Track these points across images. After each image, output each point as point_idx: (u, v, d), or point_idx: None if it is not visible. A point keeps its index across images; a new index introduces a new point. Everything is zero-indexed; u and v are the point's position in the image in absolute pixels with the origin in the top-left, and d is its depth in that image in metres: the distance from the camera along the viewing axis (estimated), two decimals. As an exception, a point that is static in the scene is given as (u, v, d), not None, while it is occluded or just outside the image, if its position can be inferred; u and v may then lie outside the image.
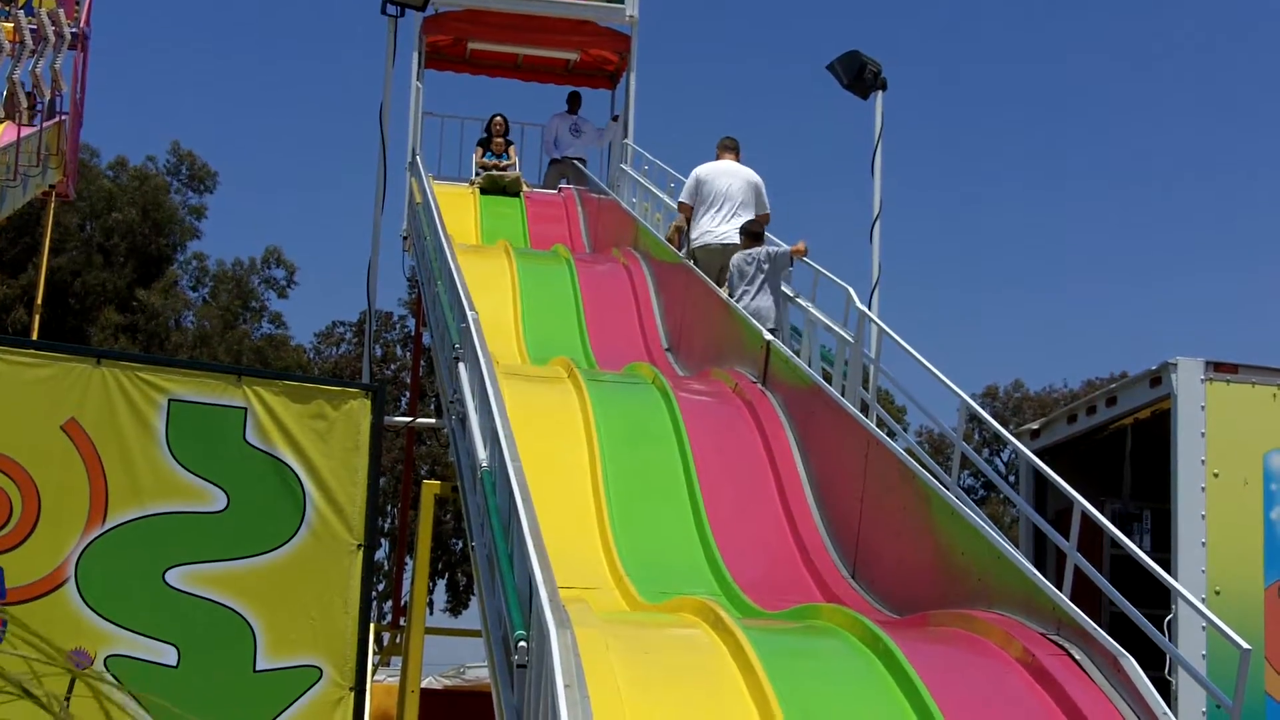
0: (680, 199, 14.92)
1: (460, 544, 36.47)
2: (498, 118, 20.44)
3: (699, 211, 14.41)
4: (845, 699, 6.48)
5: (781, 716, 5.94)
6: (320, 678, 9.39)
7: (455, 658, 19.08)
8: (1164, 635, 8.96)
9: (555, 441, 10.72)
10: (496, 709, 7.38)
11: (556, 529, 8.88)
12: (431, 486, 11.66)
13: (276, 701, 9.32)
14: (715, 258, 14.12)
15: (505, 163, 20.17)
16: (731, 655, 6.64)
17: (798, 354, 12.30)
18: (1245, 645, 6.78)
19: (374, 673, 14.49)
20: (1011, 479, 21.23)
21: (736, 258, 13.39)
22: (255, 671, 9.37)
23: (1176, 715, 8.90)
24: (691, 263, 14.30)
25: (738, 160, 14.70)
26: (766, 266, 13.08)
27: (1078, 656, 6.60)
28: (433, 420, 19.65)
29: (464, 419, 10.09)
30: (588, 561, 9.44)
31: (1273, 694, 9.68)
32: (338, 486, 9.78)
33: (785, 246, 13.35)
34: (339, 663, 9.40)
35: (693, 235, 14.42)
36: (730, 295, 13.18)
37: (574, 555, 9.27)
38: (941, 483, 8.82)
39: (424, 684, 14.20)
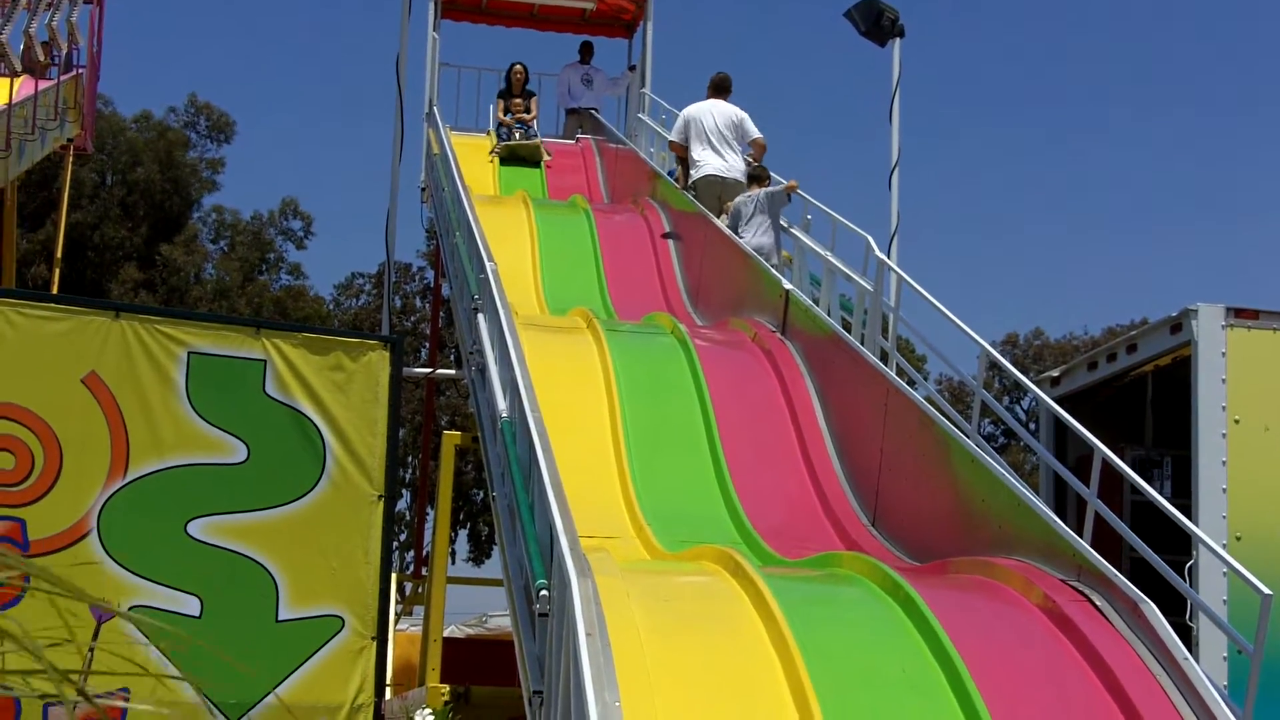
0: (671, 138, 15.67)
1: (481, 494, 36.57)
2: (517, 66, 19.72)
3: (693, 148, 15.11)
4: (865, 645, 6.49)
5: (802, 663, 5.95)
6: (342, 628, 9.43)
7: (477, 607, 19.16)
8: (1185, 581, 8.96)
9: (575, 392, 10.73)
10: (519, 657, 7.41)
11: (577, 479, 8.90)
12: (452, 437, 11.69)
13: (299, 651, 9.36)
14: (714, 188, 14.81)
15: (521, 131, 19.35)
16: (752, 603, 6.66)
17: (817, 303, 12.29)
18: (1266, 590, 6.78)
19: (396, 622, 14.56)
20: (1032, 426, 21.19)
21: (738, 200, 14.14)
22: (278, 622, 9.40)
23: (1197, 660, 8.91)
24: (692, 194, 14.95)
25: (726, 98, 15.41)
26: (766, 206, 13.81)
27: (1098, 602, 6.60)
28: (452, 371, 19.69)
29: (483, 370, 10.10)
30: (608, 511, 9.47)
31: (1294, 639, 9.65)
32: (357, 438, 9.80)
33: (779, 185, 14.08)
34: (360, 613, 9.44)
35: (691, 170, 15.12)
36: (733, 227, 13.85)
37: (594, 504, 9.29)
38: (961, 431, 8.81)
39: (446, 633, 14.27)
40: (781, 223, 14.12)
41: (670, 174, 16.24)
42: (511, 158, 19.13)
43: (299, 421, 9.83)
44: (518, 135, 19.19)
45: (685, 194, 15.19)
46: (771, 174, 14.45)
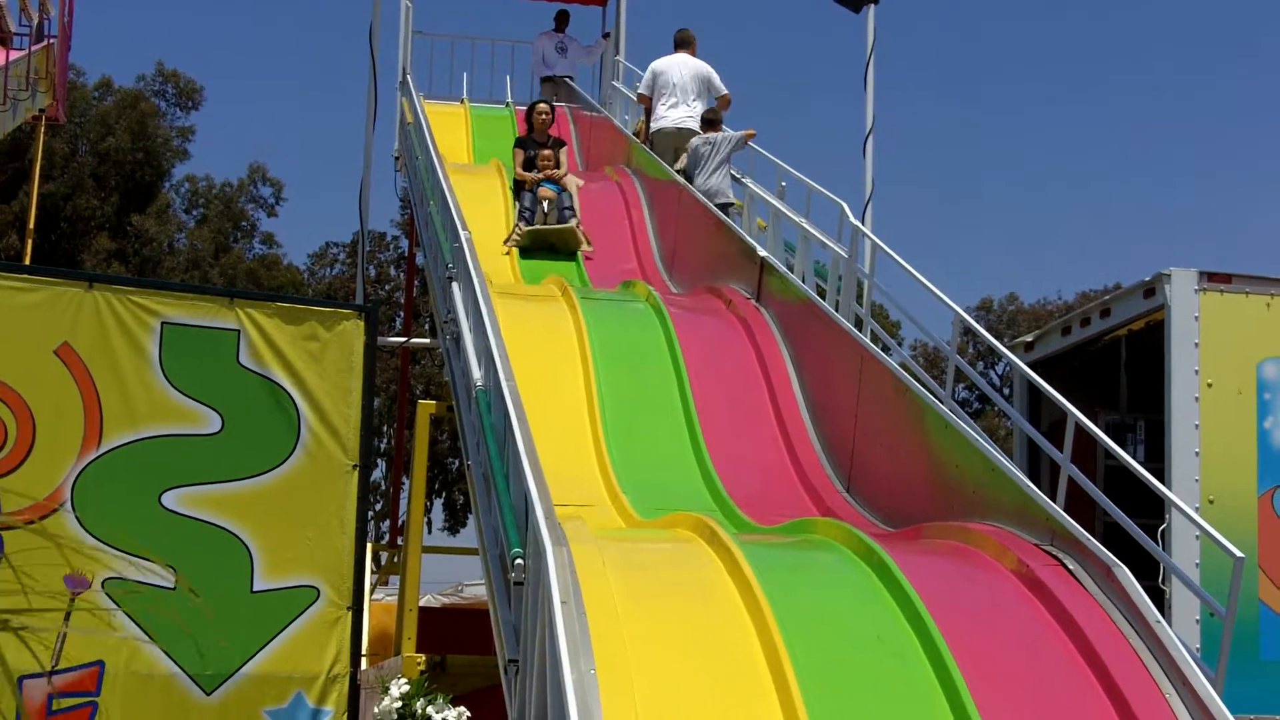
0: (639, 91, 16.54)
1: (456, 463, 36.59)
2: (541, 106, 15.80)
3: (656, 101, 16.05)
4: (840, 611, 6.50)
5: (777, 630, 5.96)
6: (318, 598, 9.43)
7: (453, 576, 19.20)
8: (1158, 544, 9.00)
9: (550, 360, 10.72)
10: (494, 626, 7.42)
11: (552, 447, 8.89)
12: (427, 406, 11.66)
13: (274, 621, 9.36)
14: (670, 141, 15.71)
15: (551, 204, 14.45)
16: (727, 570, 6.66)
17: (792, 269, 12.29)
18: (1238, 553, 6.82)
19: (372, 592, 14.58)
20: (1006, 392, 21.28)
21: (694, 141, 14.91)
22: (253, 592, 9.40)
23: (1171, 623, 8.96)
24: (649, 146, 15.80)
25: (693, 54, 16.17)
26: (723, 149, 14.64)
27: (1071, 566, 6.62)
28: (427, 340, 19.65)
29: (458, 339, 10.08)
30: (583, 479, 9.47)
31: (1266, 601, 9.73)
32: (332, 407, 9.78)
33: (738, 133, 14.88)
34: (336, 582, 9.43)
35: (651, 122, 16.10)
36: (688, 176, 14.60)
37: (570, 473, 9.29)
38: (935, 396, 8.83)
39: (422, 602, 14.26)
40: (750, 183, 14.84)
41: (626, 124, 16.68)
42: (538, 245, 14.27)
43: (273, 391, 9.82)
44: (544, 211, 14.35)
45: (643, 147, 15.46)
46: (725, 127, 15.16)
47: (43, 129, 23.68)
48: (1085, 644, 6.11)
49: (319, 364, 9.86)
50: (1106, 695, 5.87)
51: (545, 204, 14.37)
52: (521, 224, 14.36)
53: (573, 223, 14.33)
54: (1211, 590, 8.16)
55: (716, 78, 15.99)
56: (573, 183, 14.94)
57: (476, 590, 16.74)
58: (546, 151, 15.07)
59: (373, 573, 14.99)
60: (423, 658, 10.06)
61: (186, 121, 41.69)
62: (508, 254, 14.00)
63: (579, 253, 14.19)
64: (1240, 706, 8.27)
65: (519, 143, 15.46)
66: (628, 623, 5.96)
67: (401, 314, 25.18)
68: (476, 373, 9.14)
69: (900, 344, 32.16)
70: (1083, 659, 6.08)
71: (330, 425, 9.75)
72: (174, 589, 9.33)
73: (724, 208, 14.04)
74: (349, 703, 9.17)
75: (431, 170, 13.50)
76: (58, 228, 37.74)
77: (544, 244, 14.10)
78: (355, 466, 9.74)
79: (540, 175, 14.82)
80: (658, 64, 16.13)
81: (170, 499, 9.53)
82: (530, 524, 6.58)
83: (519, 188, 14.98)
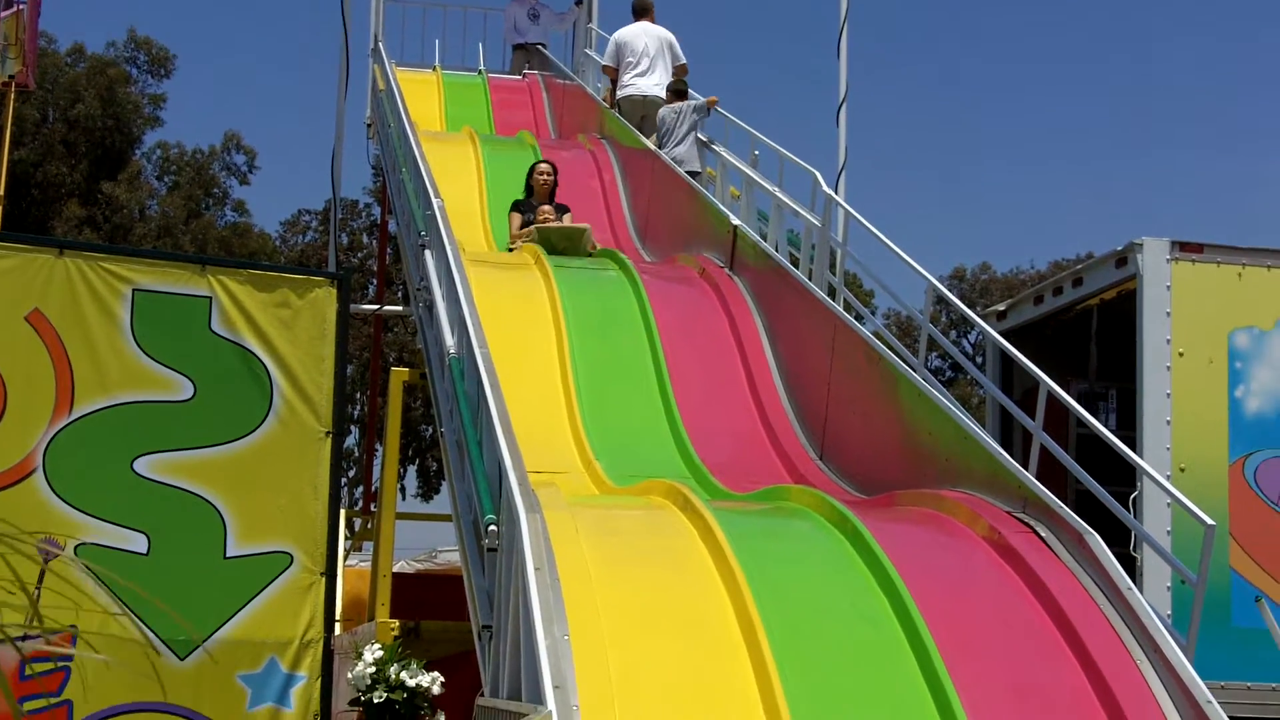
0: (604, 62, 16.79)
1: (430, 430, 36.53)
2: (542, 167, 14.05)
3: (622, 70, 16.28)
4: (813, 578, 6.52)
5: (749, 595, 5.97)
6: (291, 563, 9.42)
7: (427, 542, 19.16)
8: (1129, 512, 9.05)
9: (523, 328, 10.72)
10: (468, 592, 7.43)
11: (525, 414, 8.90)
12: (400, 373, 11.64)
13: (248, 587, 9.36)
14: (636, 108, 15.99)
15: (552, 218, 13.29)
16: (700, 537, 6.68)
17: (764, 238, 12.29)
18: (1209, 521, 6.86)
19: (346, 558, 14.58)
20: (979, 360, 21.31)
21: (662, 112, 15.21)
22: (225, 558, 9.39)
23: (1142, 590, 9.01)
24: (617, 112, 15.97)
25: (652, 20, 16.49)
26: (691, 117, 14.95)
27: (1043, 534, 6.66)
28: (400, 308, 19.60)
29: (431, 306, 10.07)
30: (557, 446, 9.47)
31: (1237, 568, 9.80)
32: (304, 374, 9.76)
33: (702, 99, 15.15)
34: (309, 548, 9.43)
35: (617, 90, 16.33)
36: (658, 144, 14.83)
37: (543, 440, 9.30)
38: (908, 364, 8.84)
39: (396, 568, 14.26)
40: (723, 152, 14.89)
41: (598, 93, 16.75)
42: (546, 246, 12.55)
43: (245, 358, 9.79)
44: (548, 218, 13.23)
45: (616, 116, 15.51)
46: (691, 92, 15.41)
47: (13, 95, 23.51)
48: (1057, 610, 6.14)
49: (291, 331, 9.84)
50: (1078, 661, 5.91)
51: (547, 222, 13.10)
52: (526, 226, 13.11)
53: (584, 226, 12.94)
54: (1183, 557, 8.20)
55: (677, 45, 16.26)
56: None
57: (450, 556, 16.74)
58: (546, 208, 13.41)
59: (346, 539, 14.99)
60: (396, 623, 10.07)
61: (158, 89, 41.45)
62: (542, 276, 11.79)
63: (593, 254, 12.72)
64: (1211, 673, 8.34)
65: (516, 205, 13.78)
66: (601, 589, 5.98)
67: (374, 281, 25.14)
68: (449, 340, 9.13)
69: (874, 313, 32.20)
70: (1054, 625, 6.11)
71: (303, 392, 9.73)
72: (147, 555, 9.31)
73: (692, 176, 14.08)
74: (323, 668, 9.17)
75: (404, 138, 13.46)
76: (28, 195, 37.50)
77: (551, 248, 12.46)
78: (328, 433, 9.72)
79: (535, 225, 13.08)
80: (620, 34, 16.41)
81: (143, 465, 9.51)
82: (504, 490, 6.59)
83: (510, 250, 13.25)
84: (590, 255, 12.56)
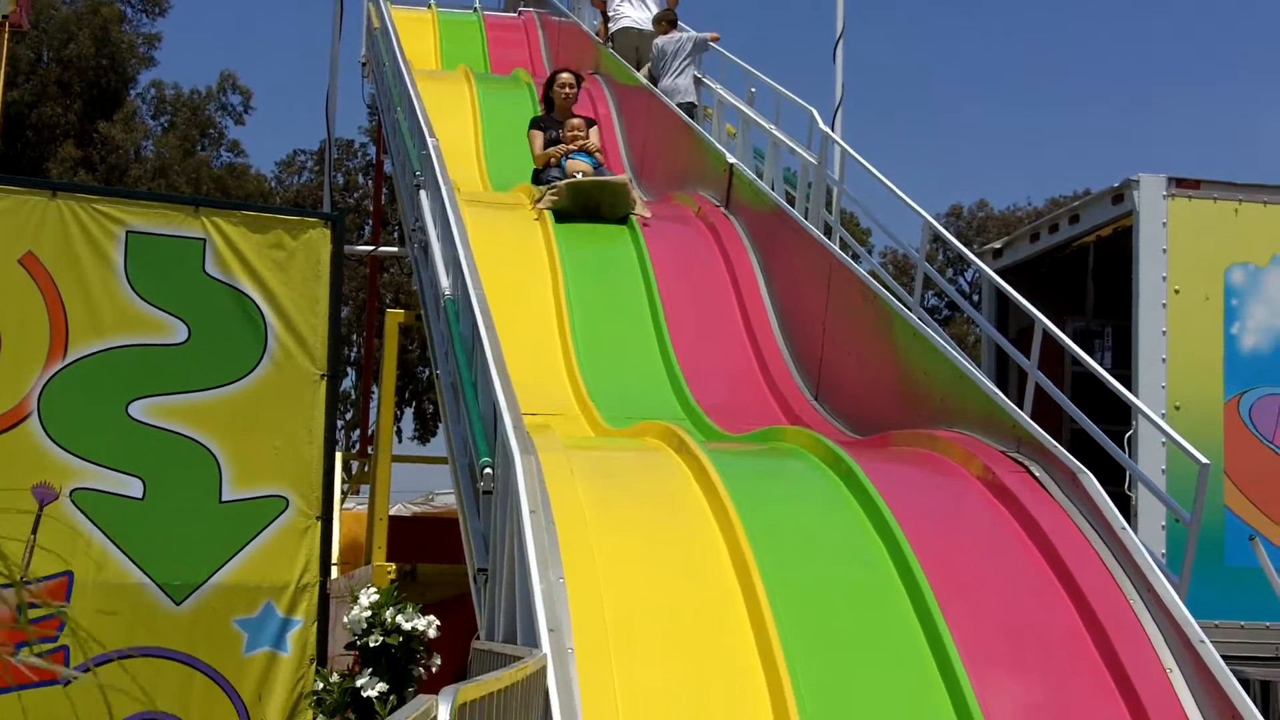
0: None
1: (426, 372, 36.53)
2: (564, 76, 13.07)
3: (612, 2, 16.32)
4: (807, 519, 6.53)
5: (744, 536, 5.98)
6: (286, 507, 9.43)
7: (424, 485, 19.23)
8: (1124, 451, 9.06)
9: (518, 269, 10.68)
10: (464, 535, 7.44)
11: (521, 356, 8.89)
12: (395, 315, 11.63)
13: (243, 532, 9.37)
14: (632, 40, 15.95)
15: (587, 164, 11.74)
16: (695, 478, 6.68)
17: (761, 176, 12.24)
18: (1204, 460, 6.87)
19: (343, 501, 14.60)
20: (975, 298, 21.30)
21: (659, 41, 15.05)
22: (221, 502, 9.40)
23: (1136, 529, 9.05)
24: (610, 45, 15.99)
25: None
26: (689, 49, 14.79)
27: (1037, 473, 6.66)
28: (396, 249, 19.56)
29: (426, 247, 10.03)
30: (553, 388, 9.46)
31: (1231, 507, 9.81)
32: (299, 317, 9.74)
33: (701, 35, 15.02)
34: (305, 492, 9.43)
35: (610, 24, 16.29)
36: (653, 76, 14.78)
37: (539, 382, 9.28)
38: (904, 303, 8.83)
39: (393, 511, 14.29)
40: (720, 89, 14.76)
41: (594, 27, 16.63)
42: (577, 206, 11.28)
43: (240, 301, 9.77)
44: (581, 171, 11.60)
45: (611, 53, 15.44)
46: (683, 26, 15.37)
47: (6, 35, 23.33)
48: (1050, 549, 6.15)
49: (285, 273, 9.80)
50: (1071, 600, 5.92)
51: (579, 176, 11.45)
52: (553, 184, 11.47)
53: (622, 177, 11.60)
54: (1177, 496, 8.22)
55: None
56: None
57: (447, 499, 16.79)
58: (575, 121, 12.19)
59: (343, 482, 15.01)
60: (393, 567, 10.10)
61: (153, 28, 41.19)
62: (538, 219, 11.16)
63: (633, 218, 11.23)
64: (1204, 612, 8.35)
65: (536, 122, 12.58)
66: (596, 531, 5.98)
67: (370, 222, 25.03)
68: (445, 281, 9.10)
69: (870, 252, 32.15)
70: (1047, 564, 6.12)
71: (298, 334, 9.71)
72: (142, 499, 9.31)
73: (688, 108, 14.04)
74: (318, 612, 9.19)
75: (399, 76, 13.39)
76: (23, 136, 37.34)
77: (587, 202, 11.13)
78: (323, 376, 9.71)
79: (568, 147, 11.91)
80: None
81: (137, 409, 9.49)
82: (499, 433, 6.58)
83: (540, 176, 12.02)
84: (629, 218, 11.11)
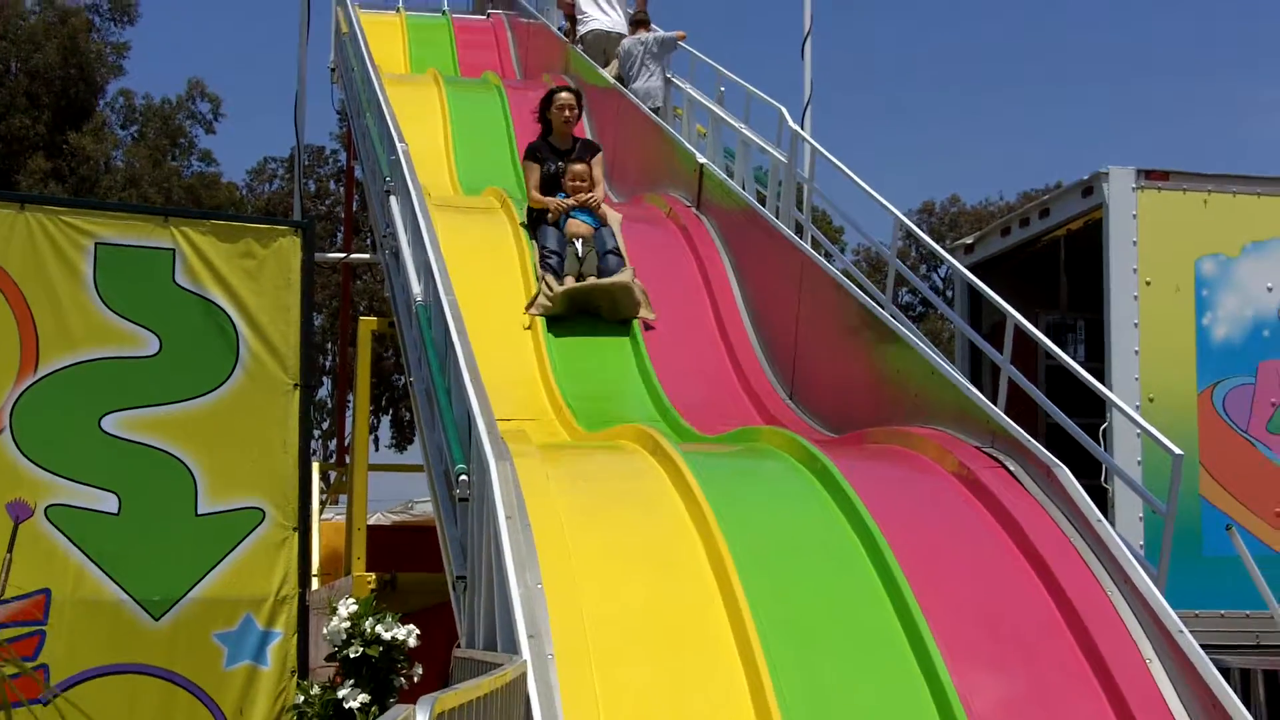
0: None
1: (403, 379, 36.47)
2: (562, 98, 11.46)
3: (579, 4, 16.26)
4: (784, 518, 6.53)
5: (721, 537, 5.98)
6: (263, 519, 9.39)
7: (403, 493, 19.11)
8: (1099, 444, 9.07)
9: (490, 272, 10.67)
10: (441, 543, 7.43)
11: (495, 361, 8.88)
12: (369, 323, 11.60)
13: (220, 544, 9.32)
14: (600, 43, 15.89)
15: (587, 240, 10.35)
16: (671, 480, 6.68)
17: (731, 176, 12.24)
18: (1177, 451, 6.87)
19: (321, 511, 14.57)
20: (949, 294, 21.33)
21: (626, 43, 15.09)
22: (197, 515, 9.35)
23: (1114, 521, 9.07)
24: (580, 48, 15.90)
25: None
26: (655, 50, 14.77)
27: (1012, 468, 6.67)
28: (368, 255, 19.52)
29: (397, 253, 10.02)
30: (527, 392, 9.45)
31: (1207, 496, 9.83)
32: (271, 326, 9.69)
33: (668, 34, 15.03)
34: (281, 503, 9.39)
35: (579, 26, 16.22)
36: (622, 79, 14.73)
37: (513, 386, 9.27)
38: (877, 301, 8.83)
39: (372, 520, 14.27)
40: (689, 89, 14.72)
41: (560, 29, 16.62)
42: (572, 308, 10.11)
43: (211, 311, 9.72)
44: (578, 254, 10.24)
45: (580, 54, 15.44)
46: (655, 26, 15.34)
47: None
48: (1027, 544, 6.16)
49: (256, 282, 9.76)
50: (1049, 593, 5.94)
51: (579, 244, 10.27)
52: (549, 277, 10.20)
53: (626, 274, 10.15)
54: (1153, 488, 8.23)
55: None
56: (613, 218, 10.85)
57: (426, 507, 16.71)
58: (577, 166, 10.87)
59: (321, 492, 14.98)
60: (373, 576, 10.08)
61: (121, 37, 41.03)
62: (529, 326, 10.00)
63: (635, 321, 10.04)
64: (1183, 602, 8.38)
65: (532, 152, 11.24)
66: (573, 535, 5.98)
67: (343, 229, 25.00)
68: (416, 287, 9.09)
69: (843, 249, 32.15)
70: (1024, 558, 6.14)
71: (270, 344, 9.67)
72: (118, 515, 9.26)
73: (657, 111, 14.07)
74: (298, 623, 9.16)
75: (367, 82, 13.36)
76: (-9, 149, 37.19)
77: (585, 306, 10.04)
78: (296, 385, 9.67)
79: (569, 202, 10.70)
80: None
81: (110, 423, 9.43)
82: (473, 439, 6.57)
83: (536, 220, 10.89)
84: (634, 321, 9.98)
